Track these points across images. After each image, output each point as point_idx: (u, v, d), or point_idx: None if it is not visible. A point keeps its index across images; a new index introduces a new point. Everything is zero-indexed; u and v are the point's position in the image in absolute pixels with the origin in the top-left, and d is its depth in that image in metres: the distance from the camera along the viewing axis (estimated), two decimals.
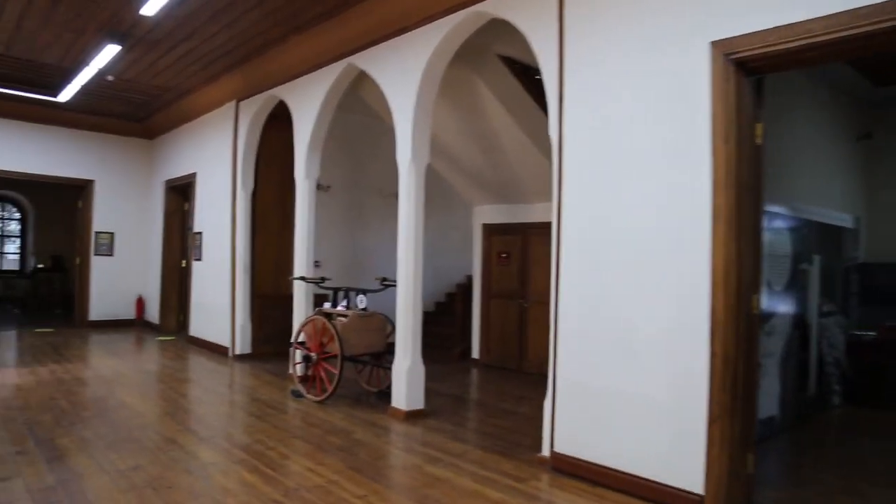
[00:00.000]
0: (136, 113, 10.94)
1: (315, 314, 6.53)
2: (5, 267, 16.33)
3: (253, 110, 8.42)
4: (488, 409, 6.24)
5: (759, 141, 3.74)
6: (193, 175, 10.05)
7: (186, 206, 10.84)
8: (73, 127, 11.07)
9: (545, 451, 4.44)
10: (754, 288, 3.68)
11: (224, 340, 8.82)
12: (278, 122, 8.69)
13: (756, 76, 3.71)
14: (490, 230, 8.81)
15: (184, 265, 10.88)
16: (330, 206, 9.50)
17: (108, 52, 7.35)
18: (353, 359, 6.31)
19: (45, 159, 10.89)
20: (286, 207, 9.06)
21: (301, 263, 7.34)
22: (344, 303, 6.56)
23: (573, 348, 4.32)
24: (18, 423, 5.07)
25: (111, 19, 6.69)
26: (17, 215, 16.44)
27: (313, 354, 6.25)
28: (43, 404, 5.67)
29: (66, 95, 9.44)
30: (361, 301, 6.37)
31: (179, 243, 11.09)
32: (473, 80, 6.76)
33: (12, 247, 16.58)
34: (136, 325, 11.71)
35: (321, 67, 7.03)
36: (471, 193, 8.85)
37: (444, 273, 10.21)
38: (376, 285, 6.53)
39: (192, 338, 9.75)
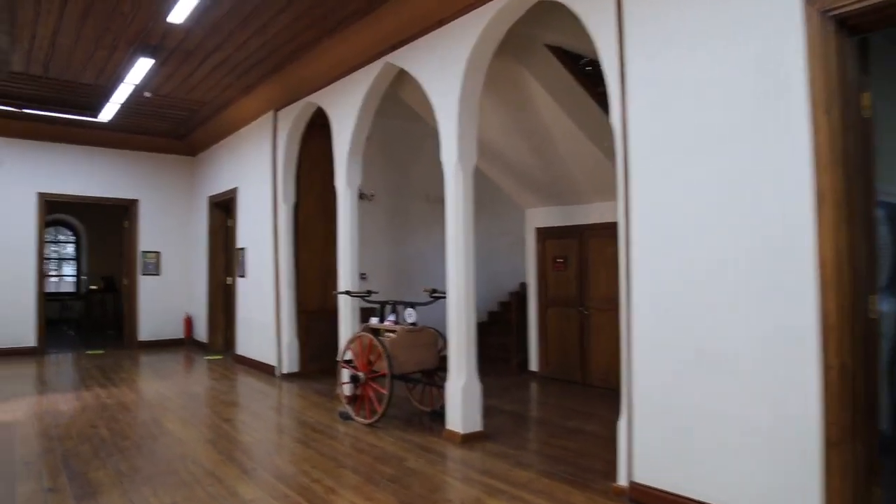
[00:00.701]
0: (178, 130, 10.83)
1: (361, 330, 6.14)
2: (63, 289, 16.56)
3: (291, 119, 8.13)
4: (552, 428, 5.72)
5: (866, 113, 3.16)
6: (235, 190, 9.84)
7: (230, 221, 10.64)
8: (118, 147, 11.03)
9: (622, 481, 3.91)
10: (871, 286, 3.09)
11: (270, 359, 8.53)
12: (318, 131, 8.39)
13: (860, 35, 3.13)
14: (544, 234, 8.29)
15: (229, 282, 10.68)
16: (374, 215, 9.14)
17: (142, 67, 7.16)
18: (404, 377, 5.88)
19: (92, 181, 10.87)
20: (329, 218, 8.71)
21: (345, 276, 6.98)
22: (391, 317, 6.15)
23: (650, 361, 3.79)
24: (56, 454, 4.80)
25: (141, 32, 6.48)
26: (72, 238, 16.66)
27: (361, 374, 5.85)
28: (83, 433, 5.41)
29: (106, 115, 9.35)
30: (410, 315, 5.94)
31: (224, 260, 10.90)
32: (521, 73, 6.27)
33: (69, 269, 16.82)
34: (184, 344, 11.57)
35: (358, 69, 6.67)
36: (522, 196, 8.35)
37: (496, 281, 9.72)
38: (425, 297, 6.09)
39: (239, 356, 9.50)
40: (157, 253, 11.47)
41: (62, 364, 9.44)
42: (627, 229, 3.93)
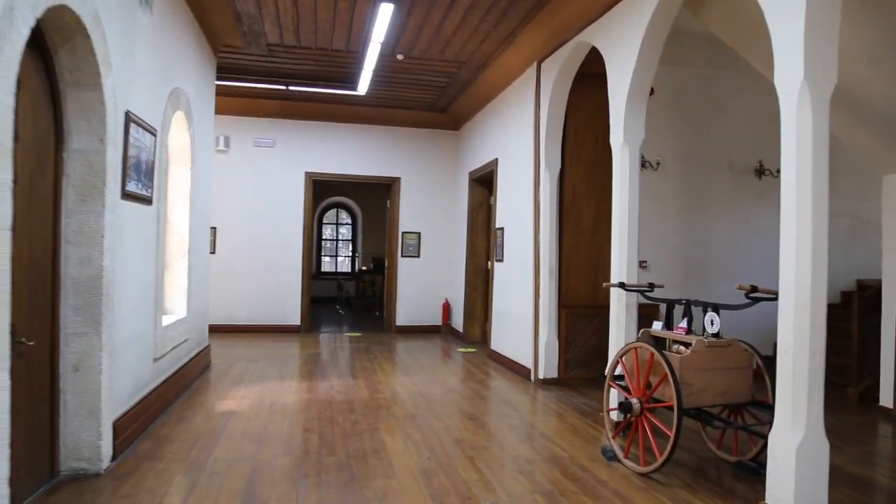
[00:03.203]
0: (438, 101, 10.00)
1: (639, 339, 4.41)
2: (341, 269, 17.27)
3: (556, 69, 6.61)
4: None
5: None
6: (494, 162, 8.65)
7: (491, 199, 9.53)
8: (381, 123, 10.60)
9: None
10: None
11: (526, 360, 7.17)
12: (588, 83, 6.79)
13: None
14: None
15: (488, 267, 9.59)
16: (658, 188, 7.23)
17: (384, 15, 6.21)
18: (700, 413, 4.03)
19: (355, 159, 10.60)
20: (601, 192, 7.07)
21: (620, 264, 5.27)
22: (683, 323, 4.30)
23: None
24: (245, 467, 3.93)
25: None
26: (348, 220, 17.26)
27: (635, 401, 4.13)
28: (290, 440, 4.55)
29: (363, 86, 8.79)
30: (712, 322, 4.06)
31: (484, 242, 9.84)
32: None
33: (346, 251, 17.49)
34: (441, 331, 10.81)
35: None
36: (883, 156, 5.80)
37: None
38: (737, 297, 4.13)
39: (493, 352, 8.31)
40: (418, 234, 10.84)
41: (316, 346, 9.16)
42: None
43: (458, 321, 10.36)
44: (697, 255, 7.41)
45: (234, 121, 10.03)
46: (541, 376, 6.84)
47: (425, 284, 10.86)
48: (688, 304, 4.33)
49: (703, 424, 4.41)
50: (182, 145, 6.03)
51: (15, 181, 3.12)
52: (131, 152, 4.25)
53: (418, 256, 10.83)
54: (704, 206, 7.49)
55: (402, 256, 10.78)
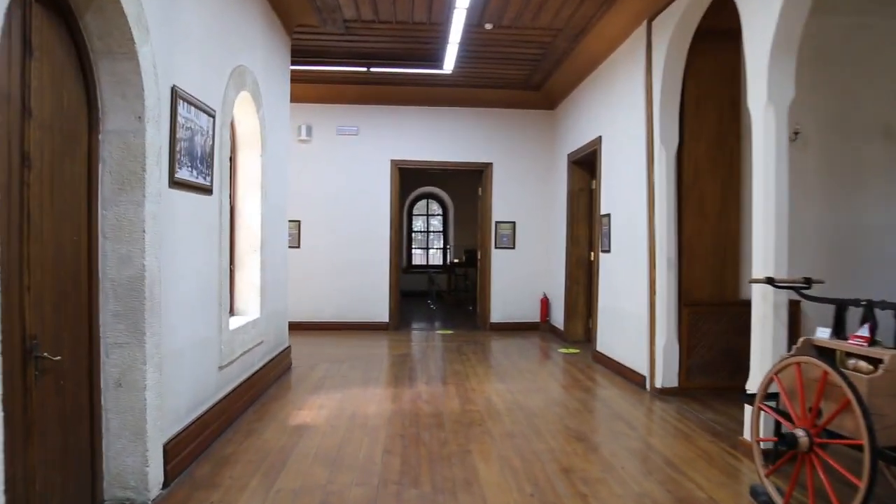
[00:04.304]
0: (532, 78, 9.12)
1: (799, 350, 3.44)
2: (433, 262, 16.70)
3: (671, 27, 5.64)
4: None
5: None
6: (598, 140, 7.71)
7: (593, 183, 8.59)
8: (469, 105, 9.85)
9: None
10: None
11: (639, 365, 6.24)
12: (710, 41, 5.81)
13: None
14: None
15: (592, 258, 8.67)
16: (796, 164, 6.02)
17: None
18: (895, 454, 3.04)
19: (443, 144, 9.90)
20: (729, 170, 6.04)
21: (766, 254, 4.27)
22: (863, 330, 3.29)
23: None
24: (312, 501, 3.29)
25: None
26: (439, 211, 16.65)
27: (801, 433, 3.18)
28: (366, 465, 3.88)
29: (449, 63, 8.06)
30: None
31: (586, 231, 8.90)
32: None
33: (437, 243, 16.90)
34: (539, 329, 9.96)
35: None
36: None
37: None
38: None
39: (599, 354, 7.41)
40: (513, 223, 10.03)
41: (405, 345, 8.54)
42: None
43: (557, 318, 9.48)
44: (846, 244, 6.18)
45: (315, 108, 9.56)
46: (658, 385, 5.90)
47: (521, 278, 10.03)
48: (869, 306, 3.31)
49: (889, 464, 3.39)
50: (250, 130, 5.51)
51: (26, 164, 2.58)
52: (181, 134, 3.70)
53: (513, 248, 10.02)
54: (854, 183, 6.24)
55: (497, 248, 10.00)
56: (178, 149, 3.64)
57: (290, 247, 8.39)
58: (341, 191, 9.70)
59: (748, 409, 4.26)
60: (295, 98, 7.91)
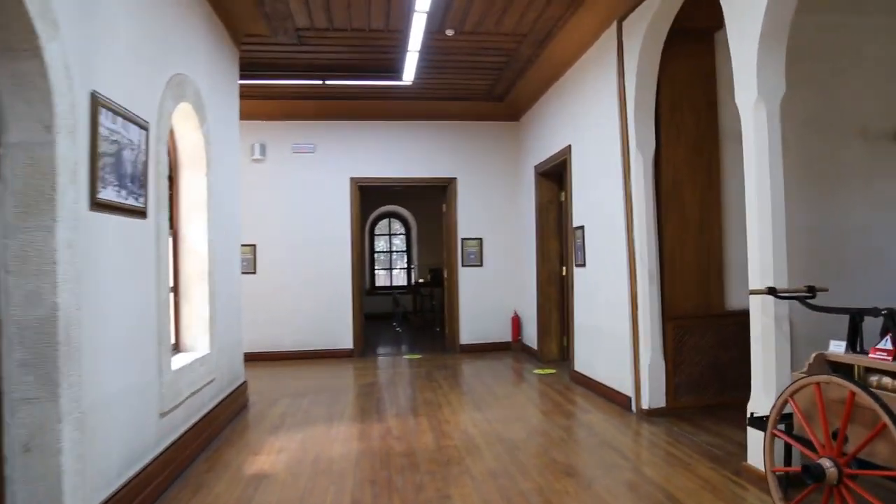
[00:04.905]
0: (495, 88, 8.78)
1: (816, 368, 3.07)
2: (396, 283, 16.20)
3: (643, 27, 5.34)
4: None
5: None
6: (567, 150, 7.37)
7: (563, 195, 8.26)
8: (431, 119, 9.46)
9: None
10: None
11: (623, 385, 5.85)
12: (685, 41, 5.56)
13: None
14: None
15: (564, 274, 8.31)
16: None
17: None
18: None
19: (404, 160, 9.48)
20: (710, 175, 5.74)
21: (764, 264, 3.92)
22: (886, 343, 2.94)
23: None
24: None
25: None
26: (402, 230, 16.20)
27: (828, 463, 2.80)
28: None
29: (409, 73, 7.66)
30: None
31: (557, 245, 8.55)
32: None
33: (401, 262, 16.42)
34: (511, 349, 9.54)
35: None
36: None
37: None
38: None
39: (578, 374, 7.01)
40: (479, 240, 9.63)
41: (372, 373, 8.02)
42: None
43: (530, 336, 9.07)
44: (827, 245, 5.93)
45: (269, 126, 9.06)
46: (644, 406, 5.52)
47: (491, 296, 9.62)
48: (890, 315, 2.97)
49: None
50: (194, 146, 4.99)
51: None
52: (105, 148, 3.18)
53: (481, 265, 9.62)
54: (833, 183, 6.01)
55: (463, 266, 9.58)
56: (100, 165, 3.12)
57: (244, 272, 7.85)
58: (299, 212, 9.18)
59: (752, 432, 3.88)
60: (247, 115, 7.40)
